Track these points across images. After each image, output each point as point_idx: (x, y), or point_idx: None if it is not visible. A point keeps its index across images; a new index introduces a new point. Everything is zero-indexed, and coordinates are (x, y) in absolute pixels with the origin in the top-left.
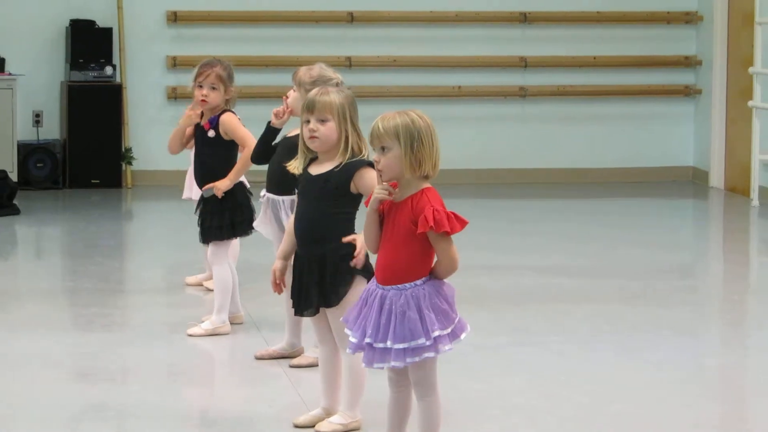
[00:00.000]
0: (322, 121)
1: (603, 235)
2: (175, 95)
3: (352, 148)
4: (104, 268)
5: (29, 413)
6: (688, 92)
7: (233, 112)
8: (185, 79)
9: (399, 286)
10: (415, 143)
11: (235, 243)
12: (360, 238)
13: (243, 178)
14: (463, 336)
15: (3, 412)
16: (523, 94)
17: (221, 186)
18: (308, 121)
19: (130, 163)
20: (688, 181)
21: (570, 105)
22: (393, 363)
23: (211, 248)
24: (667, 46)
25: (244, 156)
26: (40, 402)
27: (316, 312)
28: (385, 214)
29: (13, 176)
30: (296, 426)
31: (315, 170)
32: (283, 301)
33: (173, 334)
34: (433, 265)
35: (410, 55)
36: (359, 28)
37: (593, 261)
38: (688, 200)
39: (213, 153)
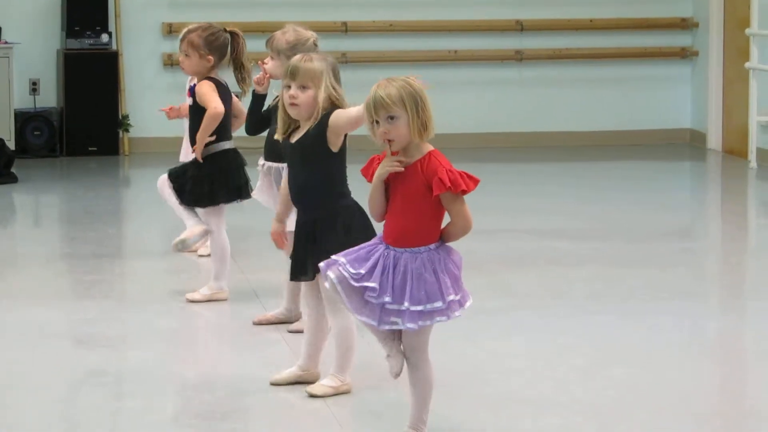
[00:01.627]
0: (303, 88)
1: (600, 198)
2: (171, 62)
3: (332, 102)
4: (102, 234)
5: (28, 380)
6: (684, 54)
7: (212, 80)
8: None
9: (413, 249)
10: (418, 107)
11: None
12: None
13: (232, 144)
14: (467, 305)
15: (2, 379)
16: (519, 57)
17: (196, 148)
18: (289, 87)
19: (127, 130)
20: (686, 144)
21: (566, 68)
22: (408, 325)
23: (204, 216)
24: (664, 8)
25: (205, 116)
26: (39, 369)
27: (313, 278)
28: (390, 179)
29: (11, 144)
30: (273, 384)
31: (295, 136)
32: (281, 267)
33: (171, 300)
34: (444, 227)
35: (406, 19)
36: None
37: (591, 224)
38: (686, 162)
39: (195, 119)
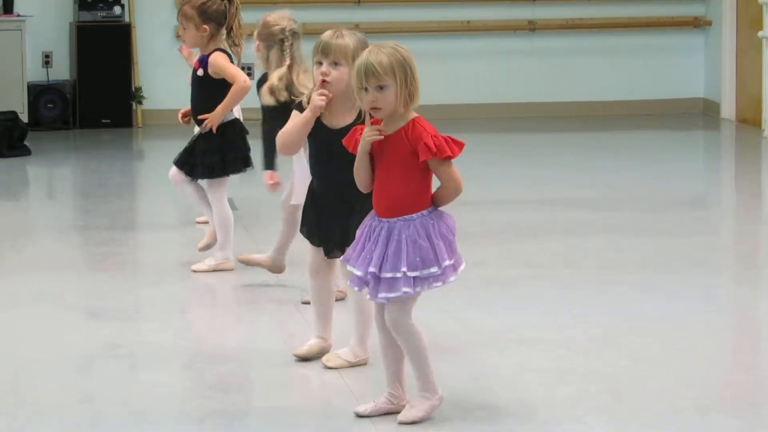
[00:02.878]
0: (335, 65)
1: (614, 167)
2: None
3: None
4: (115, 207)
5: (42, 353)
6: (698, 23)
7: (223, 51)
8: None
9: (405, 217)
10: (407, 78)
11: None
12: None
13: (238, 115)
14: (460, 270)
15: (16, 351)
16: (532, 27)
17: (212, 118)
18: (320, 63)
19: (140, 103)
20: (699, 113)
21: (580, 38)
22: (404, 290)
23: (207, 187)
24: None
25: (233, 90)
26: (52, 341)
27: (343, 252)
28: (374, 150)
29: (24, 117)
30: (299, 357)
31: (333, 122)
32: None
33: (185, 272)
34: (435, 191)
35: None
36: None
37: (604, 194)
38: (699, 132)
39: (202, 91)
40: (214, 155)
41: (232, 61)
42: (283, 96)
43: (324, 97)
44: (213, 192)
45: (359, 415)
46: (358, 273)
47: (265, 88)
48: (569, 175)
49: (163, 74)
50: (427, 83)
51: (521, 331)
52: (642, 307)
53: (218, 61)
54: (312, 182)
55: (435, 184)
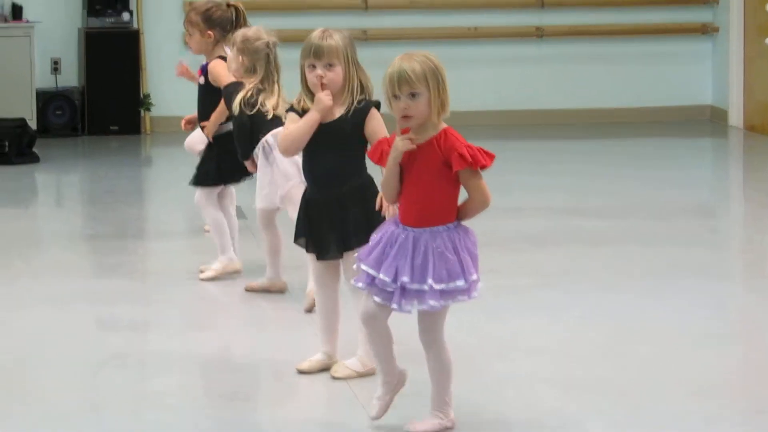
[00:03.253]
0: (330, 66)
1: (621, 175)
2: None
3: (360, 85)
4: (124, 214)
5: (50, 361)
6: (705, 30)
7: (224, 58)
8: None
9: (432, 228)
10: (440, 86)
11: (231, 188)
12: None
13: None
14: (479, 287)
15: (24, 359)
16: (539, 34)
17: (208, 126)
18: (314, 66)
19: (148, 110)
20: (707, 120)
21: (587, 45)
22: (431, 303)
23: (197, 192)
24: None
25: (222, 102)
26: (61, 349)
27: (340, 256)
28: (404, 161)
29: (32, 124)
30: (300, 371)
31: (325, 119)
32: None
33: (193, 280)
34: (461, 204)
35: None
36: None
37: (612, 202)
38: (707, 139)
39: (205, 99)
40: (210, 163)
41: None
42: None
43: (330, 96)
44: (200, 198)
45: (375, 419)
46: (370, 271)
47: (240, 98)
48: (577, 182)
49: (171, 81)
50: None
51: (530, 339)
52: (650, 315)
53: (216, 69)
54: (305, 190)
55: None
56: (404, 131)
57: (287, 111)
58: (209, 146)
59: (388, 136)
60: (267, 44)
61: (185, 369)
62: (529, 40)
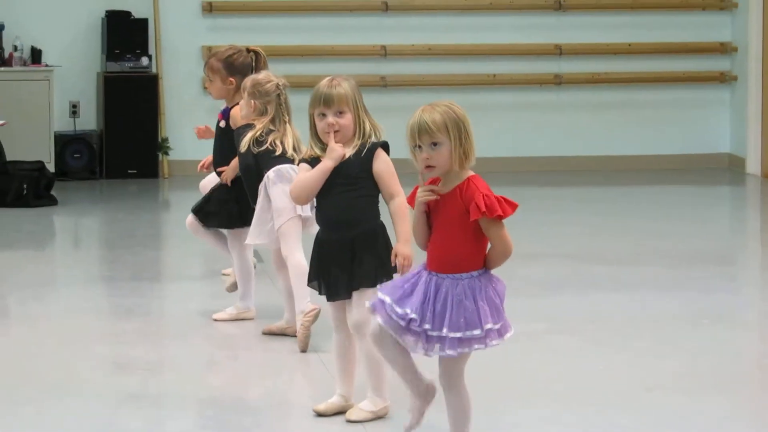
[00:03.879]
0: (340, 114)
1: (639, 222)
2: None
3: (369, 130)
4: (141, 257)
5: (67, 402)
6: (723, 79)
7: None
8: None
9: (455, 275)
10: (461, 135)
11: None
12: (400, 250)
13: None
14: (507, 336)
15: (40, 400)
16: (558, 81)
17: (228, 171)
18: (324, 115)
19: (166, 153)
20: (725, 168)
21: (605, 92)
22: (448, 352)
23: (228, 238)
24: (703, 32)
25: None
26: (77, 391)
27: (349, 296)
28: (431, 208)
29: (51, 167)
30: (317, 413)
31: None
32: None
33: (209, 324)
34: (487, 252)
35: (445, 43)
36: (394, 16)
37: (629, 248)
38: (725, 187)
39: (223, 142)
40: (232, 205)
41: None
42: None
43: (342, 145)
44: (233, 243)
45: (410, 429)
46: (401, 311)
47: (250, 137)
48: (594, 229)
49: (189, 125)
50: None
51: (546, 385)
52: (667, 362)
53: (238, 114)
54: (318, 232)
55: None
56: (431, 181)
57: (299, 162)
58: (228, 189)
59: (393, 174)
60: (277, 86)
61: (201, 411)
62: (547, 88)
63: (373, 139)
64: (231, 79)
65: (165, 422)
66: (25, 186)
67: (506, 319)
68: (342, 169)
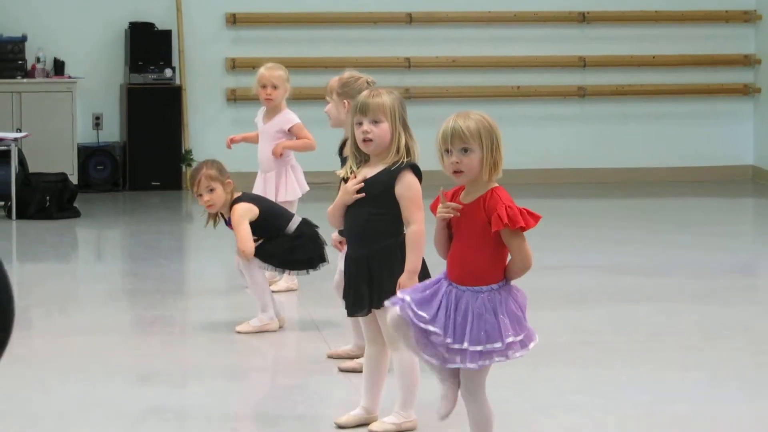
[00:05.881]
0: (376, 123)
1: (664, 234)
2: (235, 97)
3: (405, 148)
4: (165, 270)
5: (90, 415)
6: (747, 91)
7: (242, 200)
8: (244, 81)
9: (475, 288)
10: (493, 146)
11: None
12: (402, 281)
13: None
14: (531, 346)
15: (64, 413)
16: (582, 93)
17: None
18: (361, 123)
19: (190, 165)
20: (749, 180)
21: (629, 104)
22: (469, 365)
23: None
24: (726, 44)
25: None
26: (101, 404)
27: (369, 313)
28: (453, 219)
29: (74, 179)
30: (338, 426)
31: (365, 175)
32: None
33: (233, 336)
34: (507, 264)
35: (469, 55)
36: (418, 28)
37: (654, 260)
38: (749, 199)
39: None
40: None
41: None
42: None
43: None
44: (246, 264)
45: (444, 417)
46: (422, 313)
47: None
48: (618, 241)
49: (212, 137)
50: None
51: (570, 397)
52: (691, 374)
53: (235, 217)
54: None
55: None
56: (453, 193)
57: (342, 180)
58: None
59: (414, 200)
60: (367, 82)
61: (224, 424)
62: (571, 100)
63: (406, 159)
64: (229, 180)
65: None
66: (48, 198)
67: (530, 329)
68: (366, 187)
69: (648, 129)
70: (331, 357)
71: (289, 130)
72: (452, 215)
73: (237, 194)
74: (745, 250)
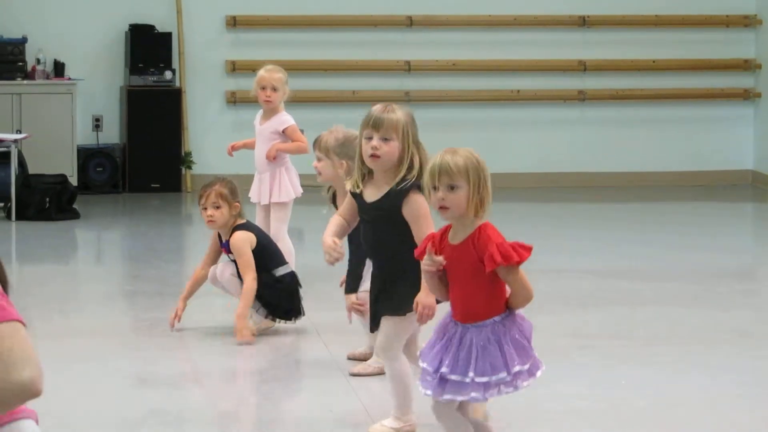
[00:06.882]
0: (386, 140)
1: (662, 238)
2: (235, 99)
3: (417, 166)
4: (164, 272)
5: (89, 418)
6: (747, 96)
7: (243, 227)
8: (244, 84)
9: (479, 323)
10: (480, 184)
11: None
12: (421, 299)
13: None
14: (538, 374)
15: (63, 416)
16: (582, 97)
17: (240, 327)
18: (371, 138)
19: (189, 167)
20: (748, 185)
21: (629, 108)
22: (473, 395)
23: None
24: (726, 49)
25: (246, 287)
26: (99, 407)
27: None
28: (446, 259)
29: (73, 180)
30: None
31: (369, 194)
32: (337, 308)
33: (232, 339)
34: (507, 296)
35: (469, 59)
36: (418, 32)
37: (652, 264)
38: (748, 203)
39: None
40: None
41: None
42: None
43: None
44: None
45: None
46: (428, 368)
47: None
48: (617, 245)
49: (212, 139)
50: (477, 151)
51: (569, 402)
52: (690, 379)
53: (237, 243)
54: None
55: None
56: (440, 238)
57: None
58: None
59: (423, 219)
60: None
61: (223, 426)
62: (571, 104)
63: (413, 177)
64: (236, 203)
65: None
66: (47, 199)
67: (535, 357)
68: (376, 206)
69: (648, 133)
70: (350, 359)
71: (283, 131)
72: (434, 269)
73: (241, 221)
74: (744, 254)
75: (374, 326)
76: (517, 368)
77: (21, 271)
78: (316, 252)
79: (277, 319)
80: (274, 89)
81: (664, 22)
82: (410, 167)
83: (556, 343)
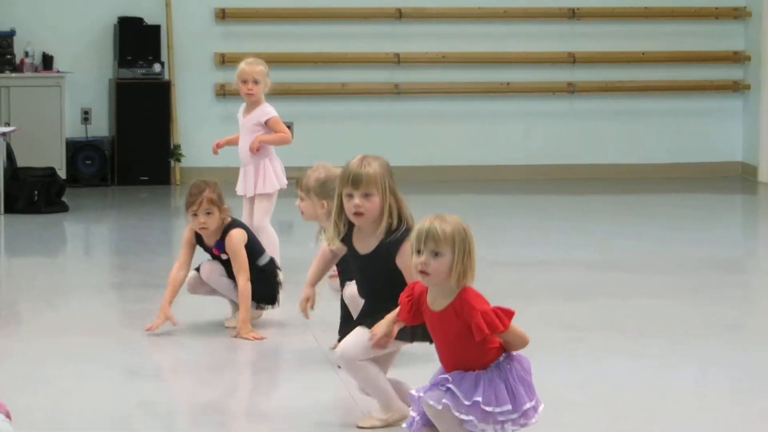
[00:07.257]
0: (367, 196)
1: (652, 230)
2: (224, 92)
3: (398, 215)
4: (153, 264)
5: (78, 410)
6: (736, 88)
7: (233, 226)
8: (233, 76)
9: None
10: (465, 254)
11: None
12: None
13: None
14: (540, 409)
15: (51, 409)
16: (571, 90)
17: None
18: (351, 196)
19: (178, 160)
20: (737, 177)
21: (618, 101)
22: (468, 417)
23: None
24: (716, 41)
25: (243, 290)
26: (88, 399)
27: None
28: (428, 324)
29: (62, 173)
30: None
31: (361, 246)
32: (324, 299)
33: (221, 331)
34: (501, 343)
35: (459, 51)
36: (407, 24)
37: (642, 257)
38: (737, 196)
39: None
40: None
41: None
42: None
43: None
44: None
45: None
46: (413, 415)
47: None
48: (606, 237)
49: (201, 132)
50: (466, 144)
51: (558, 394)
52: (680, 371)
53: (232, 243)
54: None
55: None
56: (417, 299)
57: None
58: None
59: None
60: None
61: (213, 418)
62: (560, 96)
63: (403, 226)
64: (225, 206)
65: (177, 429)
66: (36, 192)
67: (536, 393)
68: (370, 259)
69: (637, 125)
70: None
71: (265, 123)
72: (381, 347)
73: (228, 220)
74: (733, 247)
75: (347, 332)
76: (527, 406)
77: (9, 264)
78: (304, 244)
79: (266, 306)
80: (256, 82)
81: (654, 14)
82: (390, 214)
83: (543, 335)
